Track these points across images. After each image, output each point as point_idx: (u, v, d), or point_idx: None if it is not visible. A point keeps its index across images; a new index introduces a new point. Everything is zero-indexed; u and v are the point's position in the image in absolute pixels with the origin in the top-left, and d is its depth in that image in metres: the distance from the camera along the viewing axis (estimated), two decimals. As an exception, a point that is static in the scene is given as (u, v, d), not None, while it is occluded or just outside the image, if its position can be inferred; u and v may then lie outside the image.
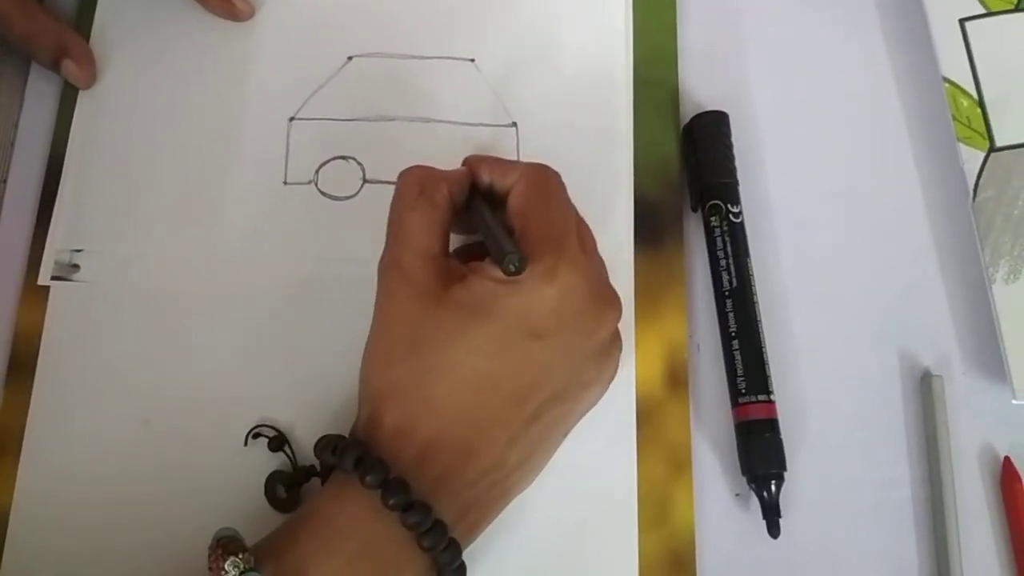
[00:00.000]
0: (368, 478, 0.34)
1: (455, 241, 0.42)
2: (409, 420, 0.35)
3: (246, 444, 0.43)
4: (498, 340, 0.35)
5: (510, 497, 0.38)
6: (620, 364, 0.40)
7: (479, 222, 0.39)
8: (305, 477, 0.42)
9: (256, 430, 0.43)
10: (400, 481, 0.34)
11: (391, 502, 0.33)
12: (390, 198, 0.46)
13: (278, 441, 0.43)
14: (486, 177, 0.40)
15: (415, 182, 0.39)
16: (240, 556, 0.33)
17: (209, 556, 0.33)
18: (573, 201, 0.39)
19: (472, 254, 0.40)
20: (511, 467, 0.37)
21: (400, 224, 0.38)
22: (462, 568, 0.36)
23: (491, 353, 0.35)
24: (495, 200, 0.40)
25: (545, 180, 0.39)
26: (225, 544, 0.33)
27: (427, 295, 0.36)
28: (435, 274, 0.37)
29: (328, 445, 0.36)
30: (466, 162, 0.41)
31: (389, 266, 0.38)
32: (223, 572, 0.32)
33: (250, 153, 0.47)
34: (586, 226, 0.40)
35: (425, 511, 0.34)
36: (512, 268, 0.35)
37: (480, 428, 0.36)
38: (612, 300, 0.38)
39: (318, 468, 0.40)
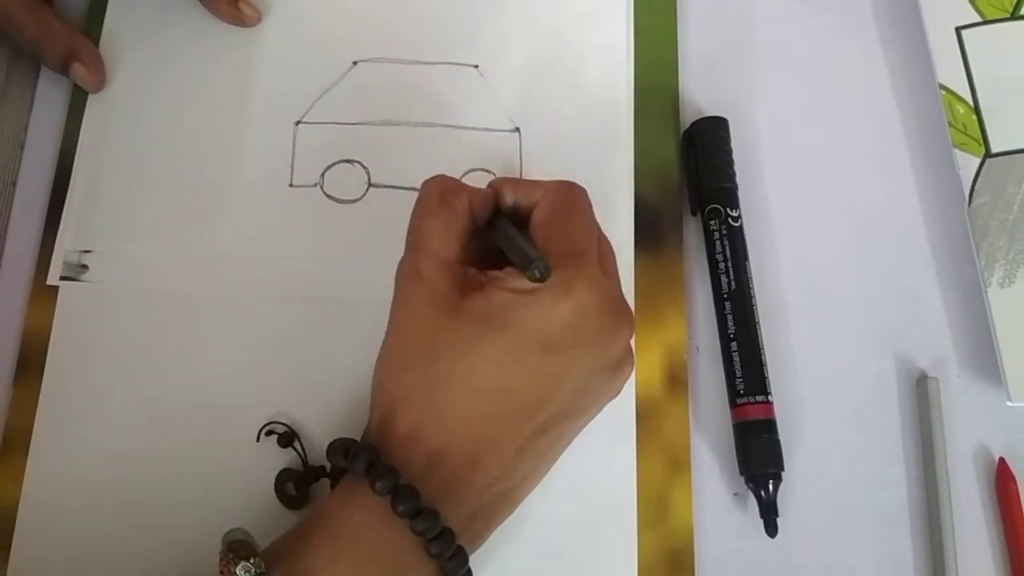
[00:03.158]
0: (378, 484, 0.34)
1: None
2: (419, 427, 0.36)
3: (259, 440, 0.43)
4: (511, 351, 0.35)
5: (515, 505, 0.39)
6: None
7: (502, 236, 0.39)
8: (315, 476, 0.42)
9: (268, 427, 0.43)
10: (410, 488, 0.34)
11: (400, 509, 0.34)
12: (394, 201, 0.47)
13: (288, 437, 0.43)
14: (511, 197, 0.40)
15: (437, 190, 0.39)
16: (251, 561, 0.33)
17: (220, 560, 0.34)
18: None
19: (489, 263, 0.39)
20: (518, 478, 0.37)
21: (420, 230, 0.38)
22: (468, 575, 0.36)
23: (504, 364, 0.35)
24: (519, 222, 0.40)
25: (570, 196, 0.39)
26: (236, 548, 0.33)
27: (443, 302, 0.36)
28: (452, 281, 0.37)
29: (340, 449, 0.36)
30: (491, 185, 0.41)
31: (407, 272, 0.38)
32: None
33: (256, 156, 0.48)
34: (608, 244, 0.40)
35: (433, 518, 0.34)
36: (537, 274, 0.35)
37: (489, 439, 0.36)
38: (626, 317, 0.38)
39: (328, 469, 0.40)
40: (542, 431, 0.37)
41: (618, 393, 0.40)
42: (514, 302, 0.36)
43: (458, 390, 0.36)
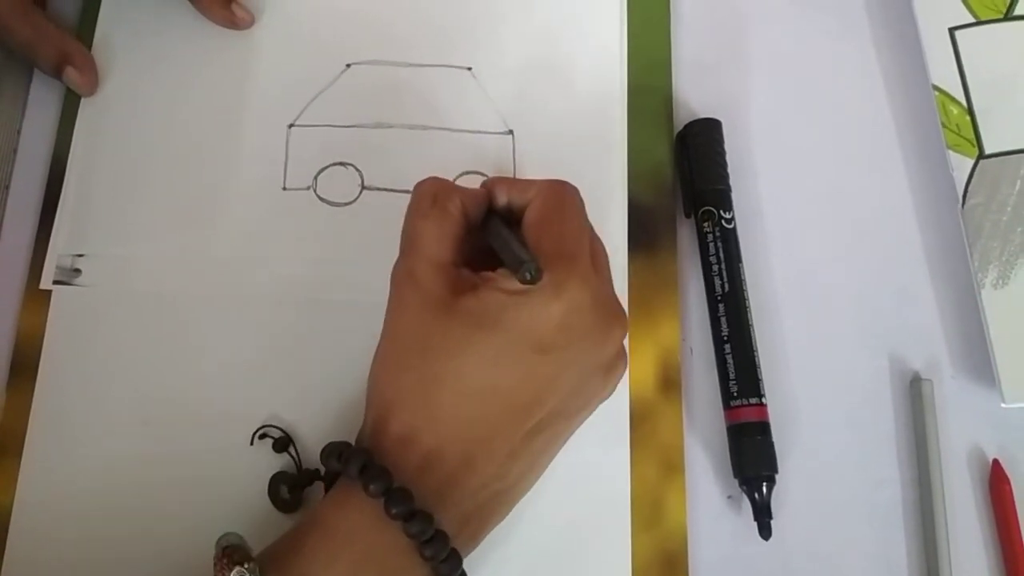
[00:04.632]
0: (372, 487, 0.34)
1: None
2: (413, 429, 0.36)
3: (252, 443, 0.43)
4: (504, 352, 0.35)
5: (510, 507, 0.39)
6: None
7: (495, 237, 0.39)
8: (309, 480, 0.42)
9: (262, 430, 0.43)
10: (403, 490, 0.34)
11: (393, 511, 0.34)
12: (388, 204, 0.47)
13: (283, 442, 0.43)
14: (504, 196, 0.40)
15: (429, 192, 0.39)
16: (246, 566, 0.33)
17: (215, 565, 0.34)
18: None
19: (485, 263, 0.39)
20: (512, 479, 0.37)
21: (413, 233, 0.38)
22: None
23: (496, 365, 0.35)
24: (512, 221, 0.40)
25: (562, 196, 0.39)
26: (231, 553, 0.33)
27: (437, 304, 0.36)
28: (446, 283, 0.37)
29: (334, 452, 0.36)
30: (484, 184, 0.41)
31: (402, 275, 0.38)
32: None
33: (250, 159, 0.48)
34: (600, 244, 0.40)
35: (427, 521, 0.34)
36: (528, 276, 0.35)
37: (482, 440, 0.36)
38: (619, 317, 0.38)
39: (322, 472, 0.40)
40: (536, 432, 0.37)
41: (611, 394, 0.40)
42: (506, 303, 0.36)
43: (451, 391, 0.36)
